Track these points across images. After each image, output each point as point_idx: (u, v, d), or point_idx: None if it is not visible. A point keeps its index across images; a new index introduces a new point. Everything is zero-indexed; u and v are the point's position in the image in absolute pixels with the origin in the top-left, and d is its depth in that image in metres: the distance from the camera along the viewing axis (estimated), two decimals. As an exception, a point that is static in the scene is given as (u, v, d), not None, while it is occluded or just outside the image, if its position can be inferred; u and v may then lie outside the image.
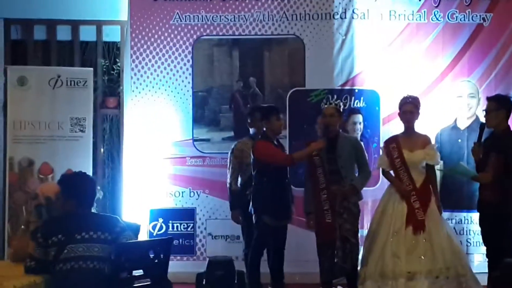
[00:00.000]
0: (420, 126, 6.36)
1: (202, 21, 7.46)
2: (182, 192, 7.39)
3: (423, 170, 6.17)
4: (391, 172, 6.21)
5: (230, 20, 7.45)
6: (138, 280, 4.61)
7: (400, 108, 6.23)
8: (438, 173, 6.54)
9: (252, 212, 6.29)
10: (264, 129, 6.32)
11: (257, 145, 6.25)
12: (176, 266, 6.99)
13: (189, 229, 7.39)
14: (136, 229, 5.18)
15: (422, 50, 7.29)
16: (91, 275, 4.40)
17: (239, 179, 6.72)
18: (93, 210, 4.83)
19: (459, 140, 7.13)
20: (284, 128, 6.94)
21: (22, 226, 5.35)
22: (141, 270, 4.64)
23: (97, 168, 7.99)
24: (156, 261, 4.71)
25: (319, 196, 6.12)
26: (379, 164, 6.32)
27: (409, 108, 6.16)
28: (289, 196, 6.32)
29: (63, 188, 4.76)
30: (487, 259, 6.08)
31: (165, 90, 7.47)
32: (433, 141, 6.51)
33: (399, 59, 7.29)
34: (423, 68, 7.26)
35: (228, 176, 6.78)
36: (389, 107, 7.15)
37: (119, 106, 7.84)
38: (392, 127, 6.96)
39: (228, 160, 6.80)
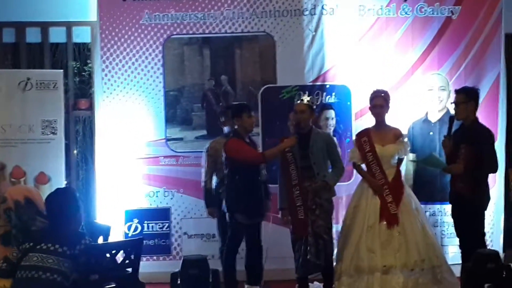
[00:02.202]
0: (392, 120, 6.38)
1: (172, 20, 7.41)
2: (157, 192, 7.35)
3: (394, 164, 6.19)
4: (363, 166, 6.23)
5: (200, 18, 7.41)
6: (108, 282, 4.58)
7: (370, 102, 6.25)
8: (411, 165, 6.57)
9: (225, 211, 6.27)
10: (236, 126, 6.30)
11: (228, 143, 6.24)
12: (153, 266, 7.11)
13: (164, 228, 7.35)
14: (106, 231, 5.15)
15: (392, 44, 7.29)
16: (47, 286, 4.40)
17: (214, 177, 6.71)
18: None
19: (431, 133, 7.14)
20: (257, 126, 6.95)
21: (-8, 231, 5.30)
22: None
23: (71, 170, 7.92)
24: (127, 261, 4.67)
25: (292, 192, 6.12)
26: (351, 157, 6.32)
27: (379, 102, 6.17)
28: (262, 193, 6.29)
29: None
30: (460, 251, 6.11)
31: (137, 90, 7.42)
32: (406, 136, 6.53)
33: (369, 53, 7.29)
34: (394, 62, 7.26)
35: (203, 175, 6.77)
36: (361, 102, 7.15)
37: (91, 107, 7.78)
38: (365, 121, 6.94)
39: (203, 159, 6.80)
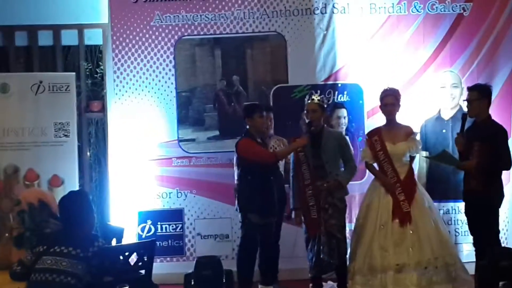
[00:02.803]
0: (404, 118, 6.38)
1: (183, 21, 7.42)
2: (170, 193, 7.36)
3: (406, 162, 6.19)
4: (375, 165, 6.23)
5: (211, 19, 7.41)
6: (121, 284, 4.60)
7: (380, 100, 6.25)
8: (424, 163, 6.55)
9: (238, 211, 6.29)
10: (248, 127, 6.32)
11: (240, 143, 6.27)
12: (166, 268, 7.12)
13: (177, 230, 7.36)
14: (120, 233, 5.17)
15: (403, 42, 7.27)
16: None
17: None
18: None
19: (444, 131, 7.11)
20: (270, 125, 6.93)
21: (6, 234, 5.34)
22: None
23: (84, 172, 7.98)
24: (140, 263, 4.69)
25: (305, 192, 6.15)
26: (363, 157, 6.33)
27: (389, 101, 6.17)
28: (275, 193, 6.28)
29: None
30: (474, 248, 6.09)
31: (149, 91, 7.43)
32: (418, 133, 6.51)
33: (381, 52, 7.27)
34: (405, 60, 7.24)
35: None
36: (373, 100, 7.08)
37: (103, 109, 7.81)
38: (377, 120, 6.89)
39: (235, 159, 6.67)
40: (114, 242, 5.76)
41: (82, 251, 4.56)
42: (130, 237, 6.89)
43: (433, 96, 7.24)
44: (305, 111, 6.29)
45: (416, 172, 6.58)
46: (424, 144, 6.74)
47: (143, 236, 7.25)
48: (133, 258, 4.85)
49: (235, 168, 6.46)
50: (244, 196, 6.26)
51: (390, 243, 5.95)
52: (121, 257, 4.72)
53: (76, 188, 7.16)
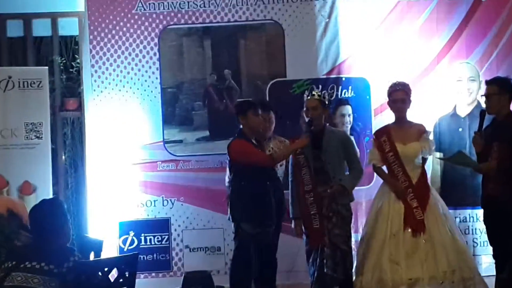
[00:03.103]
0: (416, 115, 6.38)
1: (169, 8, 7.45)
2: (155, 201, 7.36)
3: (419, 164, 6.18)
4: (384, 168, 6.22)
5: (200, 6, 7.44)
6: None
7: (389, 96, 6.23)
8: (438, 165, 6.55)
9: (231, 220, 6.29)
10: (241, 126, 6.31)
11: (232, 144, 6.25)
12: (151, 284, 7.20)
13: (163, 242, 7.37)
14: (98, 246, 5.17)
15: (414, 31, 7.29)
16: None
17: None
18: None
19: (460, 129, 7.15)
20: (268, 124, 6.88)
21: (-29, 247, 5.31)
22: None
23: (58, 178, 7.98)
24: (121, 280, 4.68)
25: (305, 199, 6.13)
26: (370, 159, 6.32)
27: (399, 96, 6.15)
28: (272, 200, 6.27)
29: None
30: (494, 261, 6.09)
31: (130, 87, 7.45)
32: (431, 132, 6.51)
33: (389, 41, 7.31)
34: (417, 50, 7.27)
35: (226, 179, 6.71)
36: (381, 96, 7.05)
37: (80, 107, 7.82)
38: (386, 118, 6.85)
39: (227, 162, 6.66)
40: (92, 256, 5.70)
41: (56, 266, 4.52)
42: (110, 251, 6.88)
43: (447, 90, 7.27)
44: (304, 109, 6.28)
45: (429, 175, 6.58)
46: (438, 145, 6.76)
47: (125, 250, 7.26)
48: (113, 274, 4.83)
49: (227, 173, 6.45)
50: (237, 204, 6.24)
51: (401, 255, 5.93)
52: (100, 273, 4.69)
53: (50, 196, 7.09)
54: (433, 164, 6.91)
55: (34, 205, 4.84)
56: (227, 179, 6.50)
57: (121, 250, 7.26)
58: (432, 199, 6.11)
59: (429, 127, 6.58)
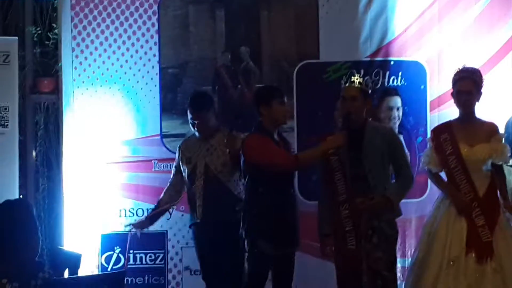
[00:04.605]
0: (483, 111, 6.32)
1: (172, -32, 7.55)
2: (148, 210, 7.26)
3: (487, 172, 6.15)
4: (442, 175, 6.19)
5: (212, -34, 7.54)
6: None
7: (453, 85, 6.20)
8: (510, 175, 6.47)
9: (243, 236, 6.23)
10: (260, 118, 6.25)
11: (249, 141, 6.21)
12: None
13: (158, 261, 7.39)
14: (75, 260, 5.18)
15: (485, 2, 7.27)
16: None
17: None
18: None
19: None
20: (291, 118, 6.95)
21: None
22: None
23: (27, 178, 8.04)
24: (103, 303, 4.66)
25: (339, 212, 6.07)
26: (425, 162, 6.29)
27: (466, 87, 6.11)
28: (296, 212, 6.28)
29: None
30: None
31: (121, 66, 7.49)
32: (502, 131, 6.47)
33: (453, 16, 7.28)
34: (487, 29, 7.25)
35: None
36: (440, 86, 7.18)
37: (57, 90, 7.83)
38: (445, 114, 6.95)
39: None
40: (66, 273, 5.74)
41: (21, 285, 4.52)
42: (89, 269, 6.93)
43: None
44: (341, 99, 6.23)
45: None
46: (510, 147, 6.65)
47: (109, 270, 7.23)
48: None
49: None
50: (252, 215, 6.18)
51: (463, 286, 5.90)
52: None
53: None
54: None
55: None
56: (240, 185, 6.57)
57: (103, 269, 7.26)
58: (503, 216, 6.09)
59: (502, 127, 6.55)
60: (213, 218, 6.40)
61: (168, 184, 6.71)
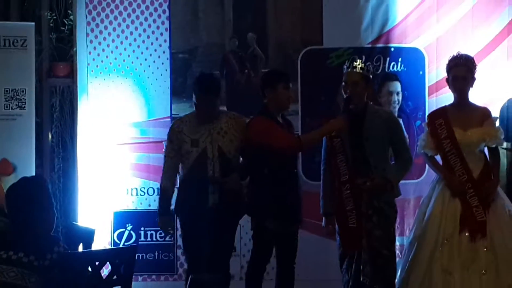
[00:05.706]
0: (478, 96, 6.40)
1: (182, -45, 7.49)
2: (158, 189, 7.10)
3: (481, 155, 6.17)
4: (438, 158, 6.22)
5: (221, -46, 7.47)
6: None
7: (448, 72, 6.23)
8: (504, 157, 6.53)
9: (249, 215, 6.31)
10: (265, 101, 6.29)
11: (253, 123, 6.24)
12: None
13: (167, 238, 7.38)
14: (89, 235, 5.20)
15: (485, -9, 7.29)
16: None
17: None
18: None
19: (534, 114, 7.11)
20: (294, 101, 6.98)
21: None
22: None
23: (43, 158, 8.03)
24: (114, 277, 4.70)
25: (341, 192, 6.11)
26: (421, 146, 6.32)
27: (460, 72, 6.15)
28: (300, 191, 6.30)
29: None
30: None
31: (134, 51, 7.49)
32: (497, 118, 6.59)
33: (450, 5, 7.28)
34: (483, 17, 7.26)
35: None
36: (438, 71, 7.16)
37: (72, 74, 7.83)
38: (443, 98, 6.94)
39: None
40: (80, 248, 5.74)
41: (37, 258, 4.55)
42: (102, 244, 6.95)
43: (519, 68, 7.25)
44: (343, 83, 6.26)
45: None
46: (506, 132, 6.68)
47: (121, 245, 7.28)
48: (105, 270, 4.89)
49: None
50: (258, 195, 6.22)
51: (456, 264, 5.93)
52: (90, 268, 4.73)
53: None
54: (498, 156, 6.88)
55: (12, 184, 4.88)
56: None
57: (115, 246, 7.29)
58: (496, 197, 6.09)
59: (495, 112, 6.61)
60: (226, 203, 6.09)
61: (166, 169, 6.21)
